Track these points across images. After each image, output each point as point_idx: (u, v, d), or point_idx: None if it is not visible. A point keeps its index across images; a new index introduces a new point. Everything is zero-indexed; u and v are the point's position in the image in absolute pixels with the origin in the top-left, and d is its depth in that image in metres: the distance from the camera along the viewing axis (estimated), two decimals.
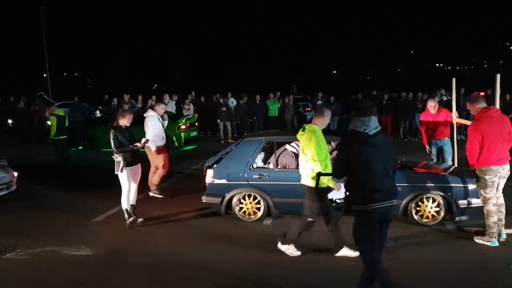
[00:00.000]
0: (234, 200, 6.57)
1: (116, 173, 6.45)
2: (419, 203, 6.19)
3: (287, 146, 6.88)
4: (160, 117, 8.21)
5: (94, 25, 48.84)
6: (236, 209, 6.59)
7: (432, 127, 7.89)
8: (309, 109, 20.14)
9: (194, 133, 15.23)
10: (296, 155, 6.75)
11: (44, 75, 31.57)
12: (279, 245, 5.26)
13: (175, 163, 12.07)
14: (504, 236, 5.50)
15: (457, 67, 75.92)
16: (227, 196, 6.55)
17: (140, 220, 6.60)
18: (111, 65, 49.18)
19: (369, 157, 3.81)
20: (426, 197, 6.16)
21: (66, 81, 47.91)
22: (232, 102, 17.21)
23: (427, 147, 8.12)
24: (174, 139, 14.28)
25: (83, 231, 6.35)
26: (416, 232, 6.01)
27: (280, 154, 6.75)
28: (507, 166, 5.39)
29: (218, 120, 16.32)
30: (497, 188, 5.40)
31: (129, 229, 6.39)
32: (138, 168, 6.64)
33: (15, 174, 8.12)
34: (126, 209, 6.51)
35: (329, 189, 5.17)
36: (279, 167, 6.65)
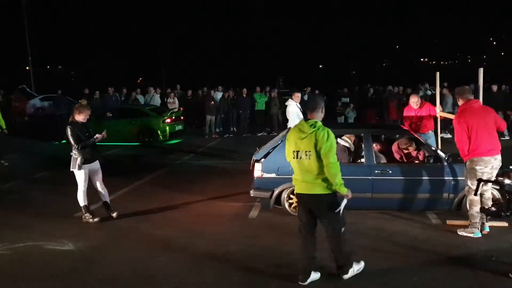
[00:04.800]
0: (284, 195, 6.45)
1: (72, 169, 6.31)
2: None
3: (339, 140, 6.78)
4: (298, 104, 9.17)
5: (78, 17, 48.16)
6: (286, 203, 6.48)
7: (416, 121, 7.94)
8: None
9: (179, 127, 15.13)
10: (348, 149, 6.72)
11: (27, 68, 31.04)
12: (345, 276, 4.38)
13: (160, 157, 12.01)
14: (487, 229, 5.56)
15: (442, 62, 76.86)
16: (277, 191, 6.41)
17: (114, 214, 6.49)
18: (95, 58, 48.53)
19: None
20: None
21: (50, 74, 47.19)
22: (218, 95, 17.16)
23: None
24: (159, 133, 14.19)
25: (65, 226, 6.26)
26: (401, 225, 6.06)
27: None
28: (499, 157, 5.43)
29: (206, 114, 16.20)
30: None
31: (112, 224, 6.31)
32: (96, 164, 6.49)
33: None
34: (85, 206, 6.42)
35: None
36: None
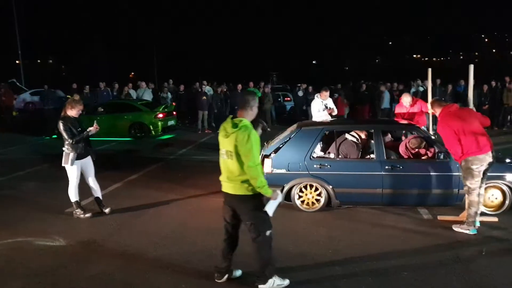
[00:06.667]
0: (294, 190, 6.44)
1: (63, 165, 6.26)
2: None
3: (347, 135, 6.81)
4: (323, 101, 9.27)
5: (69, 11, 47.66)
6: (296, 199, 6.49)
7: (408, 117, 7.96)
8: (288, 99, 20.15)
9: (171, 122, 15.06)
10: (357, 145, 6.72)
11: (17, 61, 30.74)
12: (261, 287, 4.15)
13: (152, 152, 11.95)
14: (478, 224, 5.59)
15: (434, 58, 77.19)
16: (287, 186, 6.40)
17: (107, 210, 6.49)
18: (86, 53, 48.10)
19: None
20: (491, 187, 6.12)
21: (40, 69, 46.71)
22: (209, 90, 17.06)
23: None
24: (151, 128, 14.11)
25: (56, 222, 6.21)
26: (393, 220, 6.09)
27: (340, 143, 6.69)
28: (491, 153, 5.47)
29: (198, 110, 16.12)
30: (482, 178, 5.47)
31: (104, 220, 6.27)
32: (89, 159, 6.44)
33: None
34: (76, 202, 6.37)
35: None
36: (340, 156, 6.57)
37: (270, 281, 4.11)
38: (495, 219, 5.94)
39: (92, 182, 6.49)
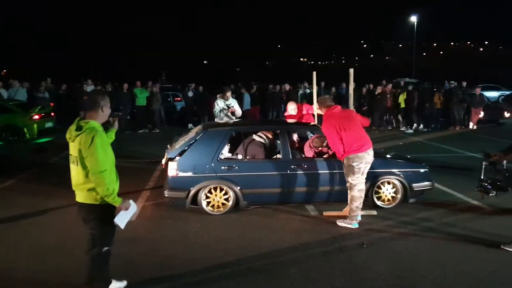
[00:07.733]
0: (201, 193, 6.19)
1: None
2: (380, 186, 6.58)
3: (254, 136, 6.70)
4: (225, 102, 9.18)
5: None
6: (203, 202, 6.20)
7: (297, 120, 8.24)
8: (178, 98, 19.80)
9: (49, 124, 13.83)
10: (264, 145, 6.64)
11: None
12: None
13: (26, 158, 10.85)
14: (359, 218, 5.95)
15: (319, 62, 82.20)
16: (193, 190, 6.14)
17: None
18: None
19: None
20: (385, 182, 6.55)
21: None
22: (89, 89, 16.06)
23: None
24: (26, 131, 12.81)
25: None
26: (282, 218, 6.22)
27: (248, 144, 6.59)
28: (371, 152, 5.85)
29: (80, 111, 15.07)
30: (362, 174, 5.80)
31: None
32: None
33: None
34: None
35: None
36: (247, 157, 6.47)
37: None
38: (374, 212, 6.38)
39: None
